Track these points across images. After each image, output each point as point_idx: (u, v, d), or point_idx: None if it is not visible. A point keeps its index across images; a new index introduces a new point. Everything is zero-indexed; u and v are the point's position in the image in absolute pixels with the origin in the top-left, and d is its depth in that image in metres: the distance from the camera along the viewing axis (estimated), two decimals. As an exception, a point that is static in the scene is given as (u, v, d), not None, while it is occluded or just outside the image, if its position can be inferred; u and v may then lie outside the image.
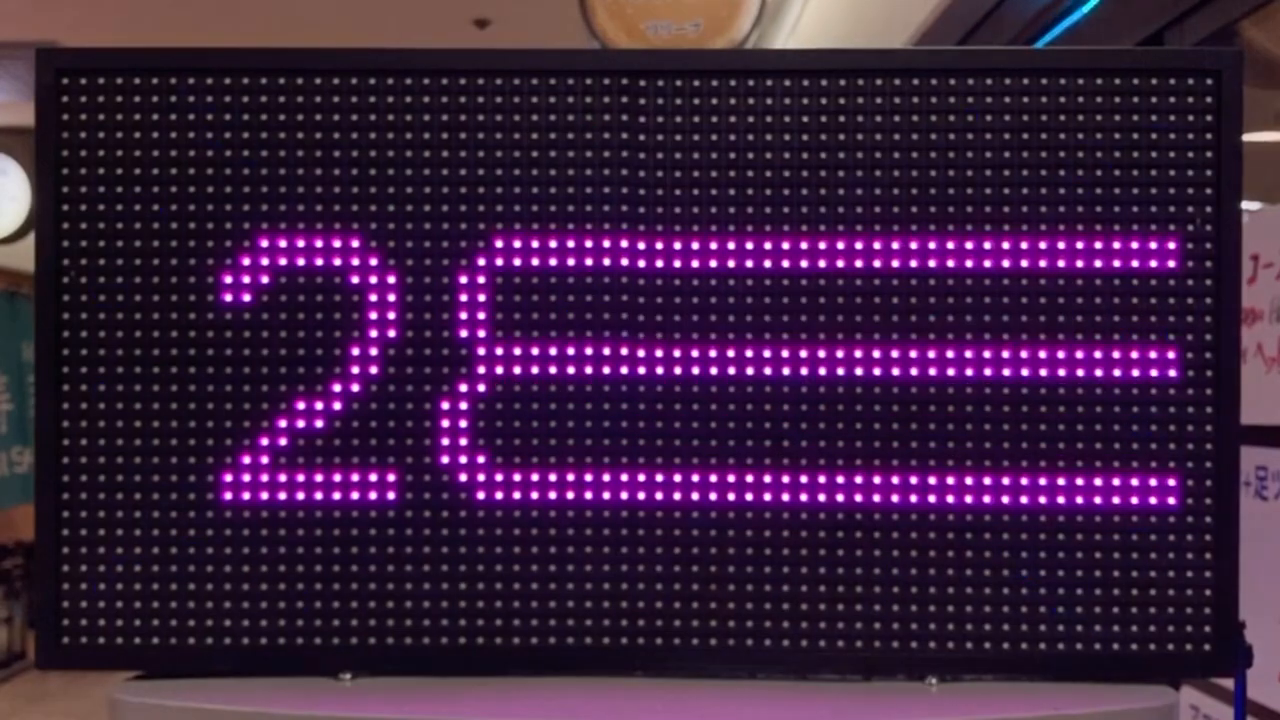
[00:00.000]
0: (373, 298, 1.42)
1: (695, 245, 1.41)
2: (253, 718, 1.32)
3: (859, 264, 1.41)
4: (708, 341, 1.41)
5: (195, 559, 1.42)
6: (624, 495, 1.42)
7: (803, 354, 1.41)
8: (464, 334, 1.42)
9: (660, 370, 1.41)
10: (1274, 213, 2.27)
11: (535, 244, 1.42)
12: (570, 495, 1.42)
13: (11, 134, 7.36)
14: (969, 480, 1.41)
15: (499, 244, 1.42)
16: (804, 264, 1.41)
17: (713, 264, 1.41)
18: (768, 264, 1.41)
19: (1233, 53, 1.41)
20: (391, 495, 1.42)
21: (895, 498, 1.41)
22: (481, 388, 1.42)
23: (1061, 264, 1.40)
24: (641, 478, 1.42)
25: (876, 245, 1.41)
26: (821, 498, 1.41)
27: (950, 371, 1.41)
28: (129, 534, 1.43)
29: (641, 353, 1.41)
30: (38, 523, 1.43)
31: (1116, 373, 1.40)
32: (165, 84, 1.43)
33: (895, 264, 1.41)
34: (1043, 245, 1.41)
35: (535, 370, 1.42)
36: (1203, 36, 2.57)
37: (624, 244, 1.41)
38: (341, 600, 1.42)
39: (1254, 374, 2.10)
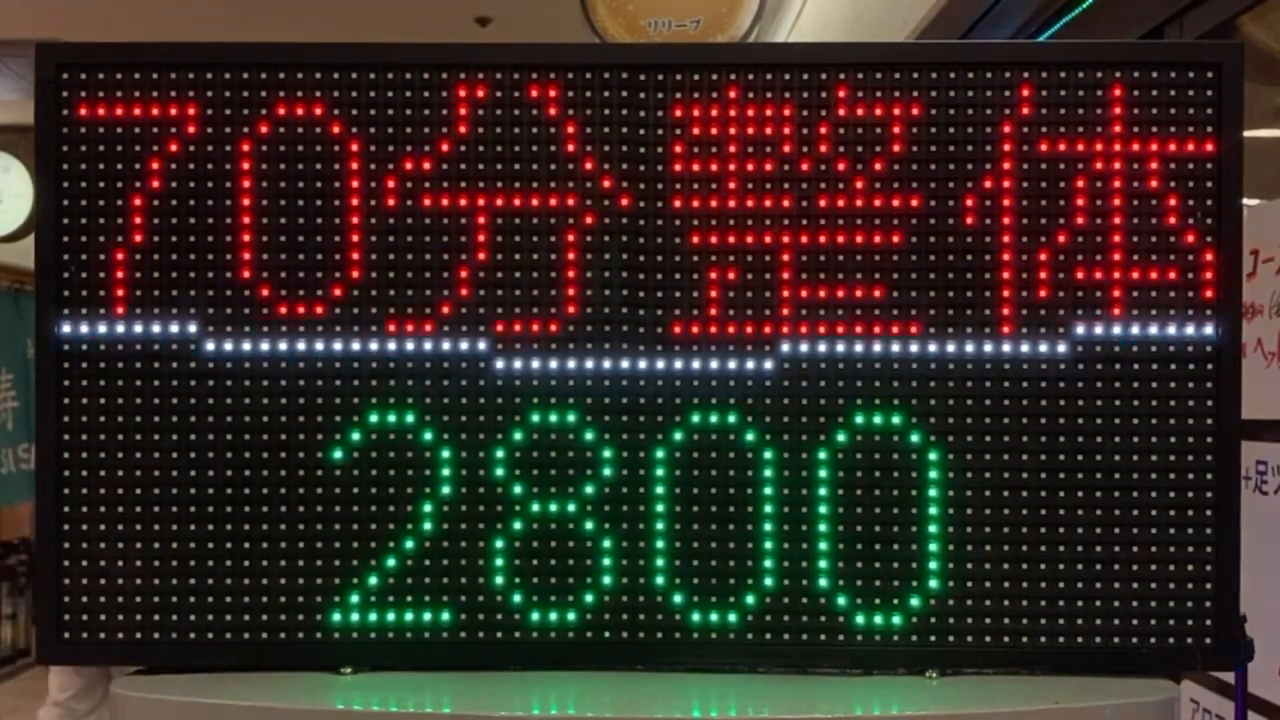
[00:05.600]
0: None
1: (697, 243, 1.42)
2: (254, 712, 1.33)
3: (859, 258, 1.41)
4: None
5: (196, 554, 1.43)
6: (623, 490, 1.42)
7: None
8: None
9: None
10: (1273, 208, 2.27)
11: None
12: (570, 490, 1.42)
13: (15, 131, 7.35)
14: (969, 474, 1.41)
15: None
16: (804, 258, 1.41)
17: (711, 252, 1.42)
18: (767, 258, 1.41)
19: (1234, 45, 1.41)
20: (391, 490, 1.43)
21: (895, 491, 1.41)
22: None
23: (1062, 258, 1.41)
24: (641, 472, 1.42)
25: (877, 239, 1.41)
26: (822, 491, 1.41)
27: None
28: (129, 530, 1.43)
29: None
30: (38, 519, 1.44)
31: (1117, 367, 1.41)
32: (165, 79, 1.43)
33: (896, 258, 1.41)
34: (1043, 239, 1.41)
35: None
36: (1202, 32, 2.56)
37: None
38: (342, 594, 1.43)
39: (1254, 369, 2.10)
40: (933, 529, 1.41)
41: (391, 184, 1.42)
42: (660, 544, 1.42)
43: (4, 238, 7.77)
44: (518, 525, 1.42)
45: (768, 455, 1.41)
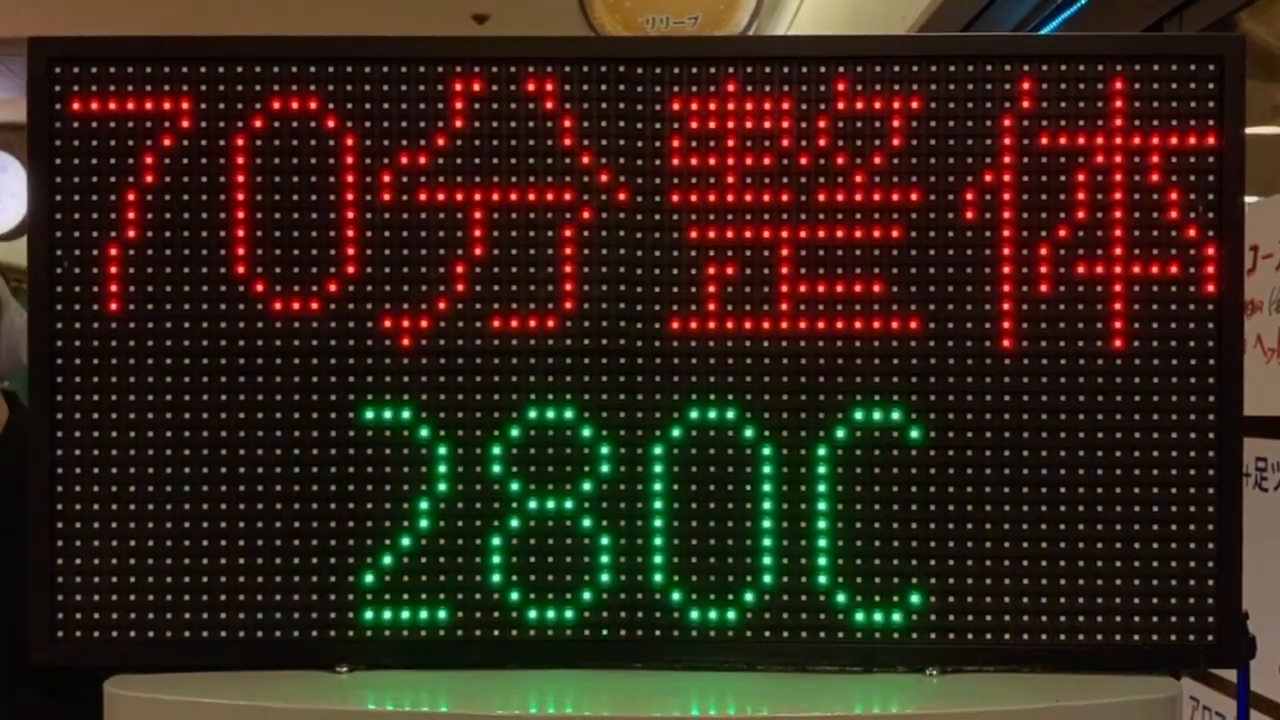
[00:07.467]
0: None
1: (695, 238, 1.41)
2: (249, 711, 1.32)
3: (858, 253, 1.40)
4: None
5: (190, 552, 1.42)
6: (621, 487, 1.41)
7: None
8: None
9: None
10: (1272, 204, 2.26)
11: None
12: (567, 487, 1.42)
13: (13, 130, 7.35)
14: (969, 470, 1.40)
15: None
16: (803, 253, 1.41)
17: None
18: (765, 252, 1.40)
19: (1235, 38, 1.41)
20: (387, 487, 1.42)
21: (895, 488, 1.41)
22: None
23: (1063, 252, 1.40)
24: (639, 468, 1.41)
25: (876, 234, 1.40)
26: (821, 487, 1.41)
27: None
28: (124, 528, 1.42)
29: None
30: (31, 517, 1.42)
31: (1118, 362, 1.40)
32: (159, 73, 1.42)
33: (895, 253, 1.40)
34: (1043, 233, 1.40)
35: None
36: (1201, 28, 2.56)
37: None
38: (338, 593, 1.42)
39: (1254, 365, 2.09)
40: (933, 526, 1.40)
41: (387, 179, 1.41)
42: (658, 541, 1.41)
43: (2, 236, 7.76)
44: (515, 523, 1.41)
45: (766, 451, 1.41)
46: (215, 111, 1.42)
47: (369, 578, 1.41)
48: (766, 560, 1.41)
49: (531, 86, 1.41)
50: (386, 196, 1.41)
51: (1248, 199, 1.41)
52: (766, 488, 1.41)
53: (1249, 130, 1.42)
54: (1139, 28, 2.72)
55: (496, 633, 1.41)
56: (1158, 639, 1.40)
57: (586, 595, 1.41)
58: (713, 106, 1.41)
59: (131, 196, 1.42)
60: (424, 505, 1.41)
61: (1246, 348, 2.06)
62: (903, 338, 1.40)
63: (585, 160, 1.41)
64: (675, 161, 1.41)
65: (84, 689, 1.46)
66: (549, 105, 1.41)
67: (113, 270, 1.42)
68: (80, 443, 1.42)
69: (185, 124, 1.42)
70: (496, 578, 1.41)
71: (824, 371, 1.40)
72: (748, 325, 1.40)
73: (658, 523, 1.41)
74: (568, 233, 1.41)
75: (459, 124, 1.42)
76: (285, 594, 1.42)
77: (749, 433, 1.41)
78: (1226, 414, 1.40)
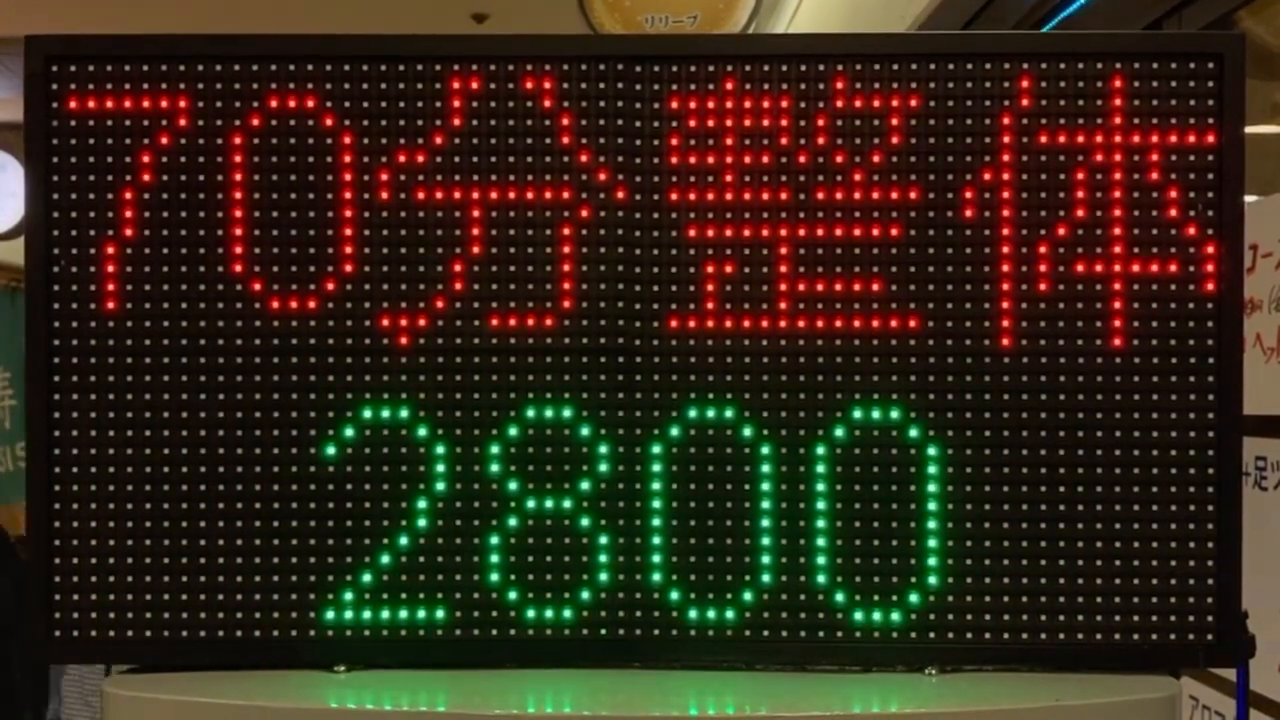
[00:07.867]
0: None
1: (693, 236, 1.40)
2: (247, 710, 1.31)
3: (857, 252, 1.40)
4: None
5: (188, 551, 1.41)
6: (620, 486, 1.41)
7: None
8: None
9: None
10: (1272, 203, 2.26)
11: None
12: (566, 486, 1.41)
13: (12, 130, 7.34)
14: (968, 469, 1.40)
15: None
16: (802, 252, 1.40)
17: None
18: (764, 251, 1.40)
19: (1235, 36, 1.40)
20: (385, 486, 1.41)
21: (894, 487, 1.40)
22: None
23: (1062, 250, 1.40)
24: (637, 467, 1.41)
25: (875, 233, 1.40)
26: (820, 486, 1.40)
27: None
28: (122, 527, 1.42)
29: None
30: (30, 517, 1.42)
31: (1118, 361, 1.40)
32: (156, 71, 1.42)
33: (894, 251, 1.40)
34: (1042, 231, 1.40)
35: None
36: (1200, 26, 2.56)
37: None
38: (335, 592, 1.41)
39: (1253, 364, 2.09)
40: (932, 524, 1.40)
41: (385, 177, 1.41)
42: (657, 540, 1.41)
43: (1, 235, 7.75)
44: (513, 522, 1.41)
45: (765, 450, 1.40)
46: (213, 110, 1.41)
47: (367, 577, 1.41)
48: (765, 559, 1.40)
49: (530, 85, 1.41)
50: (384, 195, 1.41)
51: (1247, 198, 1.41)
52: (765, 487, 1.40)
53: (1248, 129, 1.41)
54: (1138, 26, 2.71)
55: (495, 632, 1.41)
56: (1157, 638, 1.40)
57: (585, 595, 1.41)
58: (711, 105, 1.41)
59: (129, 195, 1.42)
60: (422, 504, 1.41)
61: (1246, 347, 2.05)
62: (902, 336, 1.40)
63: (584, 159, 1.41)
64: (674, 160, 1.41)
65: None
66: (547, 104, 1.41)
67: (110, 269, 1.41)
68: (78, 442, 1.42)
69: (183, 122, 1.41)
70: (495, 577, 1.41)
71: (823, 370, 1.40)
72: (746, 324, 1.40)
73: (656, 522, 1.41)
74: (566, 231, 1.41)
75: (457, 122, 1.41)
76: (283, 593, 1.41)
77: (748, 432, 1.40)
78: (1226, 413, 1.39)
